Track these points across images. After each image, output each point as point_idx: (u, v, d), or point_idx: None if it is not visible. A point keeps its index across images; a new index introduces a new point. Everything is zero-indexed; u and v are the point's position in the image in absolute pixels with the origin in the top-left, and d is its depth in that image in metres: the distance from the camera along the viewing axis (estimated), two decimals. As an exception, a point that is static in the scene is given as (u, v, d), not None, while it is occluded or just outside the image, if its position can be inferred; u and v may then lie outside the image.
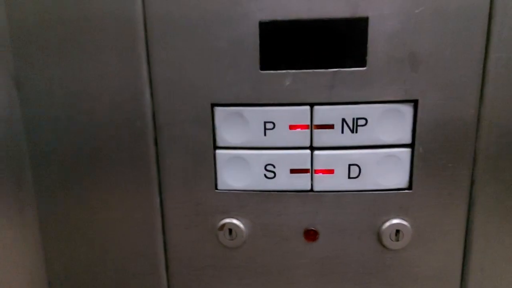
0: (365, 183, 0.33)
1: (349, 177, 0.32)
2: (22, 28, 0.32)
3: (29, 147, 0.35)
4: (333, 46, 0.30)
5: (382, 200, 0.33)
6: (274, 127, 0.32)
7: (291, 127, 0.32)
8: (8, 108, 0.34)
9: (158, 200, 0.35)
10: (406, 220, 0.33)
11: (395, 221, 0.33)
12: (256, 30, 0.30)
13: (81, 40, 0.32)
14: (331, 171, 0.32)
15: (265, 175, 0.33)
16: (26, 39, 0.32)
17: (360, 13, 0.29)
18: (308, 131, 0.32)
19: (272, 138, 0.32)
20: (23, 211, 0.36)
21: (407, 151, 0.32)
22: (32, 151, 0.35)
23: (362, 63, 0.30)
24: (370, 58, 0.30)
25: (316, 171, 0.33)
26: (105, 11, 0.31)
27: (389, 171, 0.32)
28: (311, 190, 0.33)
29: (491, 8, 0.29)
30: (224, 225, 0.34)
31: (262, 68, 0.30)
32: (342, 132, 0.32)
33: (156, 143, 0.33)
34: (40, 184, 0.36)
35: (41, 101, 0.34)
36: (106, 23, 0.31)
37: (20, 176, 0.35)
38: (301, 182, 0.33)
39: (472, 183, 0.33)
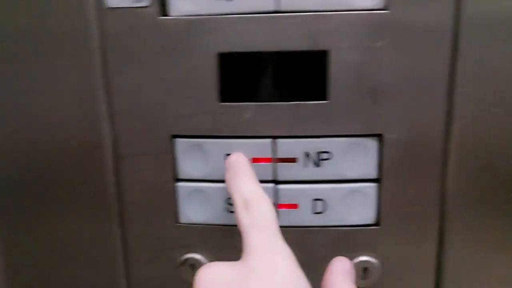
0: (330, 218, 0.31)
1: (313, 212, 0.31)
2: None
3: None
4: (294, 79, 0.29)
5: (349, 237, 0.32)
6: (236, 160, 0.31)
7: (254, 160, 0.31)
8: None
9: (119, 233, 0.34)
10: (374, 257, 0.32)
11: (362, 258, 0.32)
12: (215, 62, 0.29)
13: (38, 67, 0.31)
14: (295, 206, 0.31)
15: (226, 208, 0.32)
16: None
17: (320, 46, 0.28)
18: (270, 164, 0.31)
19: (234, 171, 0.31)
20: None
21: (373, 186, 0.31)
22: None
23: (324, 97, 0.29)
24: (331, 91, 0.29)
25: (280, 206, 0.31)
26: (62, 40, 0.30)
27: (356, 207, 0.31)
28: (275, 225, 0.32)
29: (455, 41, 0.28)
30: (186, 260, 0.33)
31: (221, 100, 0.30)
32: (306, 166, 0.31)
33: (116, 174, 0.32)
34: None
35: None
36: (64, 50, 0.30)
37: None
38: (265, 216, 0.32)
39: (442, 218, 0.31)
